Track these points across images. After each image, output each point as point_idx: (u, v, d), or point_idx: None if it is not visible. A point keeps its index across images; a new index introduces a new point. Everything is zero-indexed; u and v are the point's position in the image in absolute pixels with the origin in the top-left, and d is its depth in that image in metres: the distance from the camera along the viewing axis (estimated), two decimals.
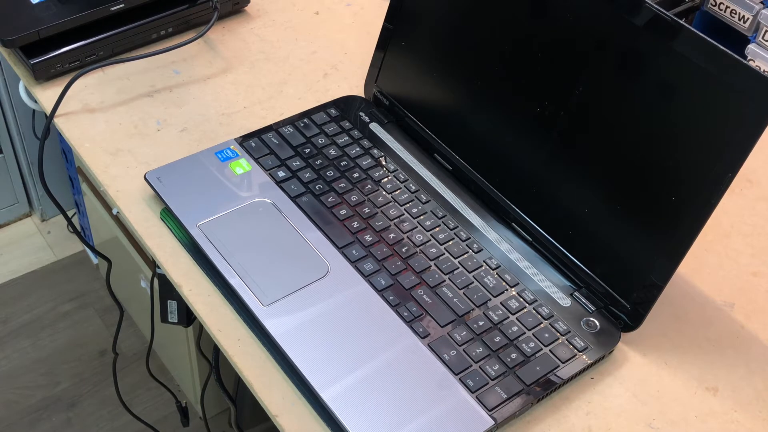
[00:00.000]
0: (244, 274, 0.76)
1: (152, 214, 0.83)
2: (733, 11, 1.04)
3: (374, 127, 0.92)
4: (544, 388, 0.71)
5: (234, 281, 0.75)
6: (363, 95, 0.97)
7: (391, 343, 0.72)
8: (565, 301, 0.78)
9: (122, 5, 0.96)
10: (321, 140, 0.90)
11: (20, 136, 1.69)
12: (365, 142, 0.90)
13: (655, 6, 0.69)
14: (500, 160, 0.84)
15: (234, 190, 0.83)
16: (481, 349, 0.73)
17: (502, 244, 0.82)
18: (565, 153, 0.78)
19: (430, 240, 0.81)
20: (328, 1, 1.12)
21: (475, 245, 0.81)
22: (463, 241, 0.81)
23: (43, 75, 0.94)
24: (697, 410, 0.73)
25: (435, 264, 0.79)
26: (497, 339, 0.74)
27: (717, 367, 0.76)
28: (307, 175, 0.86)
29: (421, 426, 0.67)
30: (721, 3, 1.05)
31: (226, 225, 0.80)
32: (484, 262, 0.80)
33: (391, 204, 0.84)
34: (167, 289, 1.10)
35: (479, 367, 0.72)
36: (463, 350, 0.73)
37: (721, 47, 0.66)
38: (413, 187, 0.86)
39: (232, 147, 0.88)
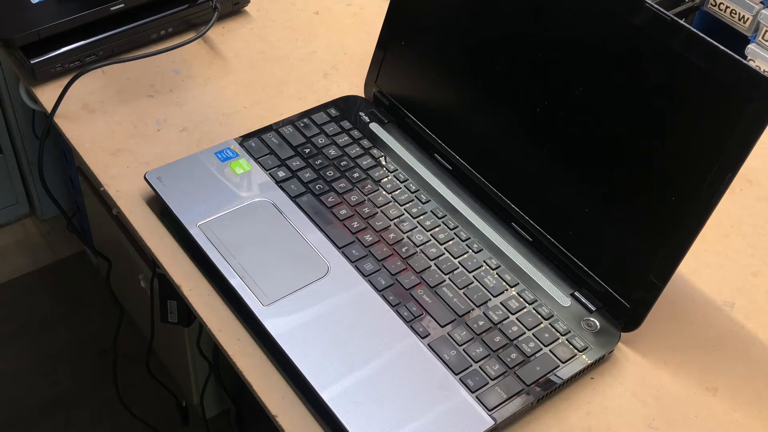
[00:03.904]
0: (244, 274, 0.76)
1: (152, 214, 0.83)
2: (733, 11, 1.04)
3: (374, 127, 0.92)
4: (544, 388, 0.71)
5: (234, 281, 0.75)
6: (363, 95, 0.97)
7: (391, 343, 0.72)
8: (565, 301, 0.78)
9: (122, 5, 0.96)
10: (321, 140, 0.90)
11: (20, 136, 1.69)
12: (365, 142, 0.90)
13: (655, 6, 0.69)
14: (500, 160, 0.84)
15: (234, 190, 0.83)
16: (481, 349, 0.73)
17: (502, 244, 0.82)
18: (564, 153, 0.78)
19: (430, 240, 0.81)
20: (328, 1, 1.12)
21: (475, 245, 0.81)
22: (463, 241, 0.81)
23: (43, 75, 0.94)
24: (697, 410, 0.73)
25: (435, 264, 0.79)
26: (497, 339, 0.74)
27: (717, 367, 0.76)
28: (307, 175, 0.86)
29: (421, 426, 0.67)
30: (721, 3, 1.05)
31: (226, 225, 0.80)
32: (484, 262, 0.80)
33: (391, 204, 0.84)
34: (167, 289, 1.10)
35: (479, 367, 0.72)
36: (463, 350, 0.73)
37: (721, 47, 0.66)
38: (413, 187, 0.86)
39: (232, 147, 0.88)
